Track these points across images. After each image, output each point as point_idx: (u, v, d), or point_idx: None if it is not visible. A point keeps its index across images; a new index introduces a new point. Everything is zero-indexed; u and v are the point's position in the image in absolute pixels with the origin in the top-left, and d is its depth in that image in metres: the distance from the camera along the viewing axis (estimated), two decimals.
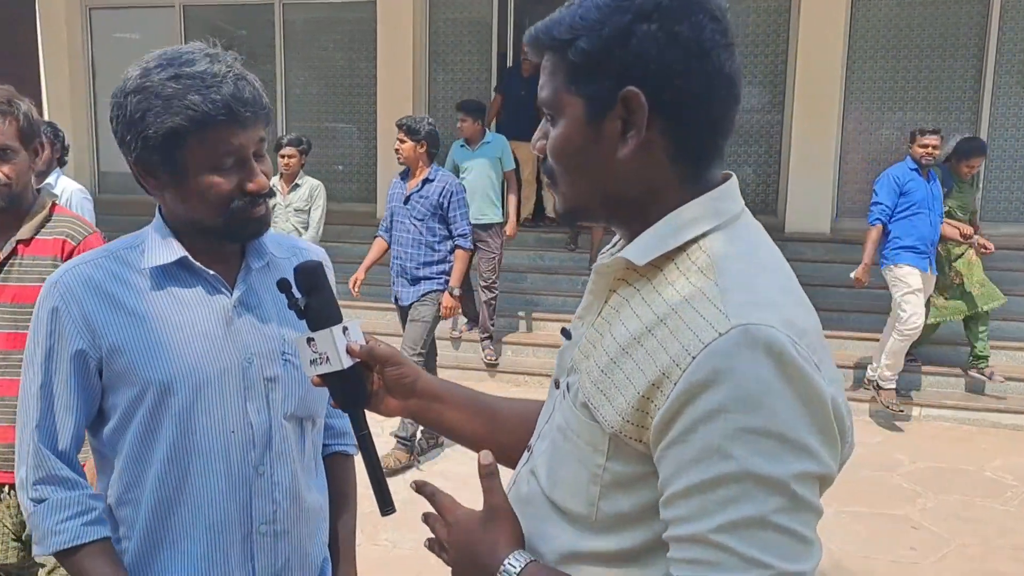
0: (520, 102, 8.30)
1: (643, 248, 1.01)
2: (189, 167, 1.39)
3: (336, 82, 9.88)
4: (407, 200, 5.06)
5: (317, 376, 1.31)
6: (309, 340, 1.30)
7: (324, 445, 1.68)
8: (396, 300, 5.26)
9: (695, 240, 0.99)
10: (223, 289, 1.49)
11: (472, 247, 5.29)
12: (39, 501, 1.44)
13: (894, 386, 5.87)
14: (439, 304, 5.06)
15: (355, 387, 1.31)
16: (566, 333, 1.14)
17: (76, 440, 1.46)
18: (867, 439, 5.66)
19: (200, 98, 1.34)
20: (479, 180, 6.70)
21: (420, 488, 1.16)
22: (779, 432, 0.88)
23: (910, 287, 5.65)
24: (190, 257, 1.46)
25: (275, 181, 5.77)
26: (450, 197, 5.02)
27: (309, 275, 1.33)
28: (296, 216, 6.15)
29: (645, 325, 0.97)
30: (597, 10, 0.98)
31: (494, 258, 6.82)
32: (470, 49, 9.42)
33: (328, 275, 1.59)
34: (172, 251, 1.46)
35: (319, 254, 1.65)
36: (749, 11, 8.71)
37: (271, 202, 1.52)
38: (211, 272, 1.48)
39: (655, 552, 0.97)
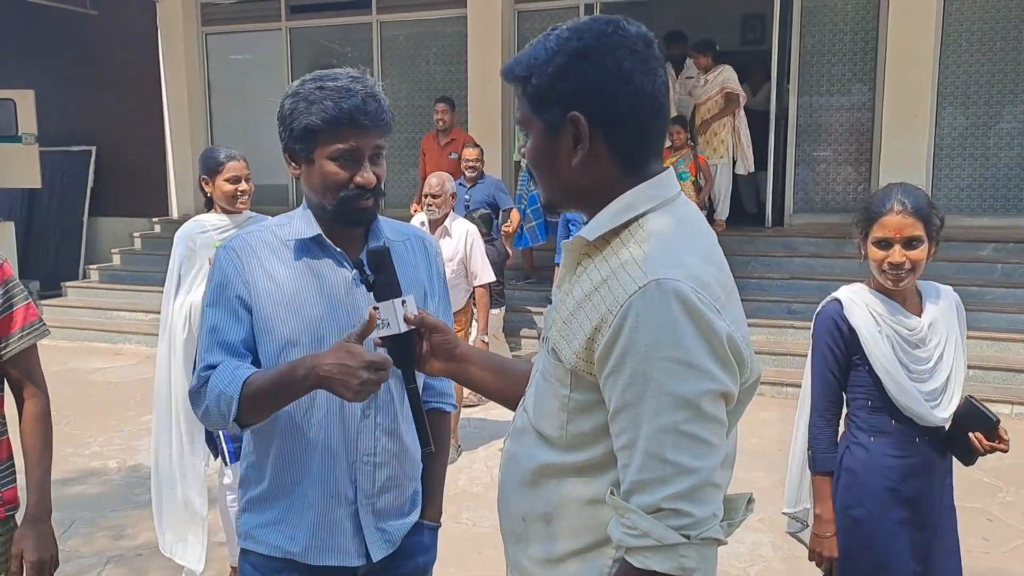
0: None
1: (594, 227, 1.29)
2: (317, 156, 1.74)
3: (431, 93, 10.23)
4: None
5: (379, 338, 1.60)
6: (375, 309, 1.60)
7: (424, 401, 1.94)
8: None
9: (636, 218, 1.27)
10: (346, 264, 1.81)
11: None
12: (211, 367, 1.73)
13: None
14: None
15: (408, 349, 1.62)
16: (550, 300, 1.41)
17: (243, 344, 1.76)
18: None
19: (333, 104, 1.70)
20: None
21: None
22: (686, 360, 1.15)
23: None
24: (323, 235, 1.80)
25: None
26: None
27: (377, 257, 1.64)
28: None
29: (593, 285, 1.25)
30: (544, 52, 1.29)
31: None
32: None
33: (435, 261, 1.95)
34: (311, 228, 1.81)
35: (427, 239, 1.98)
36: (837, 8, 8.66)
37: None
38: (338, 249, 1.81)
39: (608, 464, 1.26)
